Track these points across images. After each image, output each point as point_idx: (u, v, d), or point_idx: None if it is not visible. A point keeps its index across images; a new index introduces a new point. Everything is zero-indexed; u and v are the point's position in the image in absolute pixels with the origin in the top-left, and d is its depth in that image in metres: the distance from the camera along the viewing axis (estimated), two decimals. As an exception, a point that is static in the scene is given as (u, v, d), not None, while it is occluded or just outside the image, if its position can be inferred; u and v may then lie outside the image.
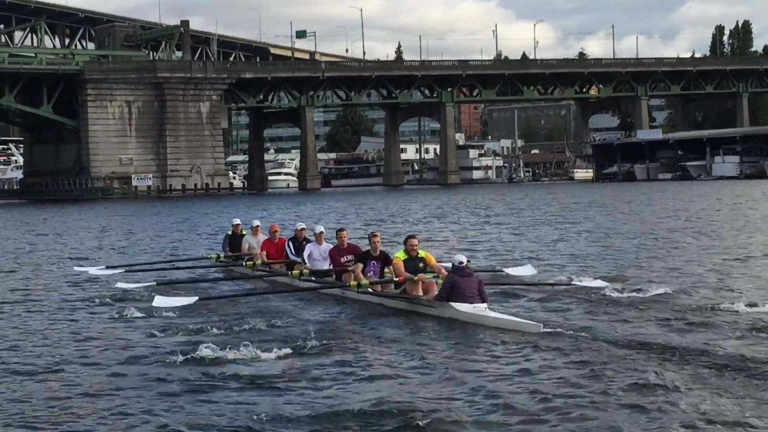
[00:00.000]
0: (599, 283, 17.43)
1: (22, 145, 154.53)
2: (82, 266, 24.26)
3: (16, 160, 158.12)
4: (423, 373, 11.00)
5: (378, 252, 16.74)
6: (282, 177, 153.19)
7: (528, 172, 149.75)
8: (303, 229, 20.13)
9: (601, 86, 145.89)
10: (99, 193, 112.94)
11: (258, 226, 22.02)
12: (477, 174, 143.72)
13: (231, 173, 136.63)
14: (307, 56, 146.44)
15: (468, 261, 15.00)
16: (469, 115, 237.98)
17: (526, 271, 19.70)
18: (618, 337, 12.63)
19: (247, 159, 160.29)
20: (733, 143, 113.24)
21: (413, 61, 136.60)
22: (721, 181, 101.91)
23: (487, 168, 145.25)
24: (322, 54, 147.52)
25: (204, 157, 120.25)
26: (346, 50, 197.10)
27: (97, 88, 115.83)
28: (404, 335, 13.51)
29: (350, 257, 17.67)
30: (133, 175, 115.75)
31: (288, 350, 12.28)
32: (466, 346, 12.62)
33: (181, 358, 11.90)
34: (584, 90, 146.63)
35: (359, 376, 10.91)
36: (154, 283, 19.25)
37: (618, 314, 14.57)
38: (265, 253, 20.66)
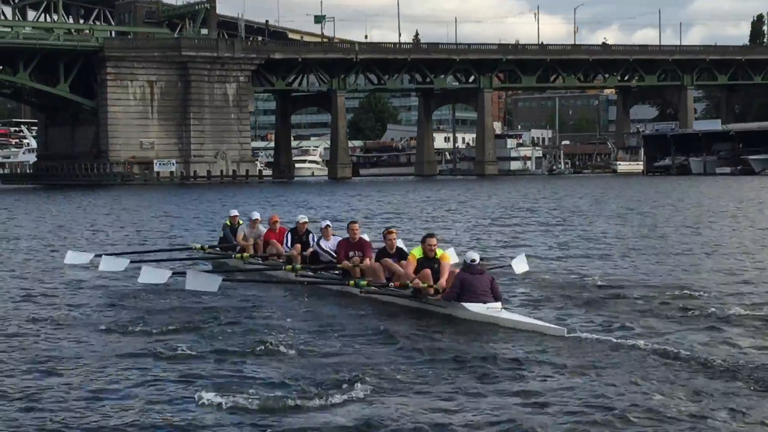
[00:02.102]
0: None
1: (35, 128, 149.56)
2: (57, 252, 23.88)
3: (28, 143, 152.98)
4: (429, 383, 10.18)
5: (394, 249, 15.99)
6: (306, 165, 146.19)
7: (567, 163, 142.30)
8: (305, 222, 19.07)
9: (644, 75, 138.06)
10: (118, 178, 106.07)
11: (257, 219, 20.87)
12: (515, 165, 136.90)
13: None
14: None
15: (481, 259, 14.53)
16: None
17: (520, 262, 18.09)
18: (655, 344, 11.76)
19: (268, 145, 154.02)
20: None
21: (450, 44, 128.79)
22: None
23: (526, 158, 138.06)
24: (342, 40, 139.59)
25: (230, 142, 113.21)
26: (365, 37, 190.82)
27: (118, 66, 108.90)
28: (411, 335, 12.82)
29: (359, 254, 16.73)
30: (154, 161, 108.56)
31: (274, 350, 11.67)
32: (479, 350, 11.81)
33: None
34: (627, 79, 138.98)
35: (356, 388, 9.81)
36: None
37: (656, 319, 13.78)
38: (261, 243, 19.93)
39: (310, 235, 18.78)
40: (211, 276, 16.64)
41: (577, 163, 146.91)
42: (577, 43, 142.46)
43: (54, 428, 8.78)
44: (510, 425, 8.64)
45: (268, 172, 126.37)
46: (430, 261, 14.82)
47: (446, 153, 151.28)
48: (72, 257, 21.33)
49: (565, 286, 17.27)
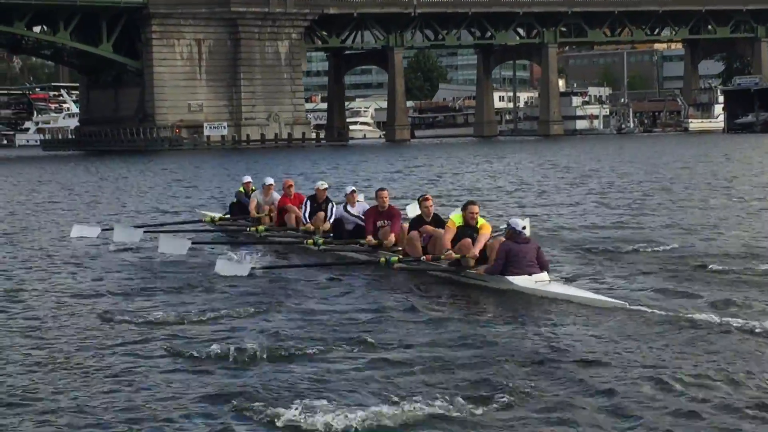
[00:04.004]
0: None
1: (75, 92, 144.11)
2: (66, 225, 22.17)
3: (68, 108, 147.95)
4: (474, 366, 9.09)
5: (431, 217, 14.87)
6: (358, 127, 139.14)
7: (636, 122, 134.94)
8: (325, 188, 17.88)
9: (716, 27, 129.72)
10: (166, 143, 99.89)
11: (271, 184, 19.89)
12: (581, 124, 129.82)
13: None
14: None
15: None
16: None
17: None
18: (741, 321, 10.44)
19: (316, 107, 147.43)
20: None
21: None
22: None
23: (593, 117, 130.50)
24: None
25: (282, 103, 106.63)
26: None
27: (163, 24, 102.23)
28: (452, 315, 11.58)
29: (386, 222, 15.68)
30: (204, 124, 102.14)
31: (305, 335, 10.45)
32: (530, 330, 10.57)
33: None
34: (697, 31, 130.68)
35: (394, 370, 8.99)
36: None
37: (739, 292, 12.20)
38: (277, 211, 18.68)
39: (330, 204, 17.61)
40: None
41: (645, 121, 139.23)
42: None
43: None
44: (575, 421, 7.52)
45: (312, 135, 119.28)
46: (470, 229, 13.78)
47: (505, 113, 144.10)
48: (78, 230, 19.64)
49: (618, 255, 15.90)
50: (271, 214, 19.08)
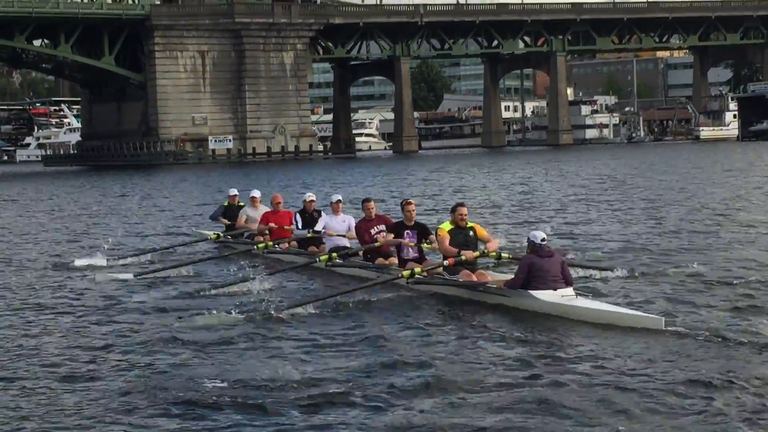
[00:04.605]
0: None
1: (75, 106, 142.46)
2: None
3: (69, 122, 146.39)
4: (501, 394, 8.37)
5: (413, 222, 14.61)
6: (363, 138, 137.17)
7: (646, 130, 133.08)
8: (312, 200, 17.60)
9: (726, 33, 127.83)
10: (170, 157, 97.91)
11: (257, 197, 19.73)
12: (590, 133, 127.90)
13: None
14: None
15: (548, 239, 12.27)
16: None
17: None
18: None
19: (319, 118, 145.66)
20: None
21: (519, 3, 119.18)
22: None
23: (602, 126, 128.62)
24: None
25: (288, 115, 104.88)
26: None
27: (166, 36, 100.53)
28: (470, 334, 10.83)
29: (382, 227, 15.32)
30: (209, 137, 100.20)
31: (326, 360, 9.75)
32: (558, 350, 9.86)
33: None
34: (707, 38, 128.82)
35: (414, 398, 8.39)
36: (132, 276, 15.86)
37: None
38: (268, 227, 18.26)
39: (320, 216, 17.11)
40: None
41: (655, 129, 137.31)
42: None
43: None
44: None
45: (320, 147, 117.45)
46: (463, 230, 13.48)
47: (512, 123, 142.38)
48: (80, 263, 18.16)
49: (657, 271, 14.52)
50: (267, 225, 18.50)
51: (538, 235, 12.12)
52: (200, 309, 12.37)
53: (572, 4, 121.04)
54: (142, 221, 29.24)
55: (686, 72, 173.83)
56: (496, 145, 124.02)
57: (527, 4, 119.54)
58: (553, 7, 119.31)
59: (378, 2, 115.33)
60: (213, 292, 14.16)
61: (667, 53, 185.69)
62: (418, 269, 13.56)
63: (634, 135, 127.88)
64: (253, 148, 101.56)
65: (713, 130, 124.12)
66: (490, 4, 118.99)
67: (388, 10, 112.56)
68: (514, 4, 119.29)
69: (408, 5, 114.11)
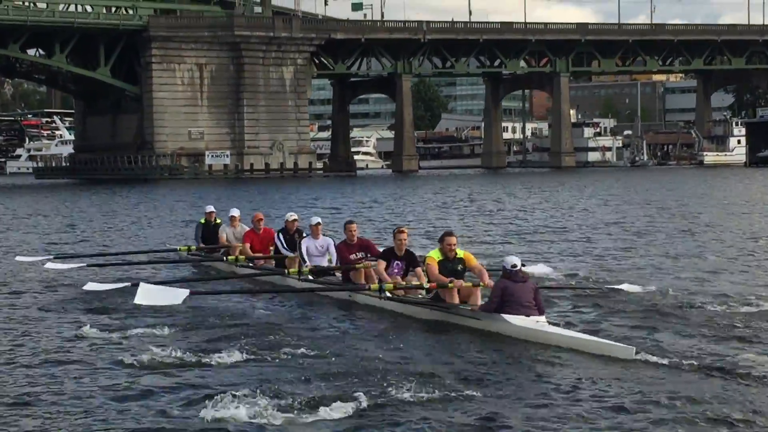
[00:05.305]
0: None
1: (68, 118, 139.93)
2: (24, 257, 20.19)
3: (61, 135, 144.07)
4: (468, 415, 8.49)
5: (403, 251, 14.23)
6: (360, 157, 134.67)
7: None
8: (295, 220, 17.53)
9: (731, 57, 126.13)
10: (165, 172, 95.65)
11: (236, 216, 19.37)
12: (593, 156, 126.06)
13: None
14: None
15: (522, 264, 12.37)
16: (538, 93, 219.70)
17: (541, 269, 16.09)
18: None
19: (314, 135, 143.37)
20: None
21: (522, 23, 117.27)
22: None
23: (605, 149, 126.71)
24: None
25: (287, 131, 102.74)
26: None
27: (164, 47, 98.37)
28: (440, 356, 10.92)
29: (361, 254, 15.33)
30: (205, 152, 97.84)
31: (286, 377, 9.86)
32: (528, 375, 9.99)
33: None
34: (711, 62, 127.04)
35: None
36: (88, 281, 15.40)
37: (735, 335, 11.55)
38: (248, 245, 17.95)
39: (302, 236, 17.00)
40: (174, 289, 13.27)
41: (659, 153, 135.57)
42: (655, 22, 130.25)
43: None
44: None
45: (318, 165, 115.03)
46: (452, 262, 13.13)
47: (512, 143, 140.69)
48: (23, 260, 19.37)
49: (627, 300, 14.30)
50: (243, 248, 18.22)
51: (510, 260, 12.17)
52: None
53: (577, 24, 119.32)
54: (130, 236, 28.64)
55: (685, 96, 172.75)
56: (497, 166, 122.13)
57: (531, 23, 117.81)
58: (557, 27, 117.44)
59: (380, 18, 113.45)
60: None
61: (665, 77, 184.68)
62: (389, 286, 13.52)
63: (637, 159, 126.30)
64: (251, 165, 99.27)
65: (717, 155, 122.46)
66: (493, 23, 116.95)
67: (391, 27, 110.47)
68: (518, 23, 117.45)
69: (411, 22, 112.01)
